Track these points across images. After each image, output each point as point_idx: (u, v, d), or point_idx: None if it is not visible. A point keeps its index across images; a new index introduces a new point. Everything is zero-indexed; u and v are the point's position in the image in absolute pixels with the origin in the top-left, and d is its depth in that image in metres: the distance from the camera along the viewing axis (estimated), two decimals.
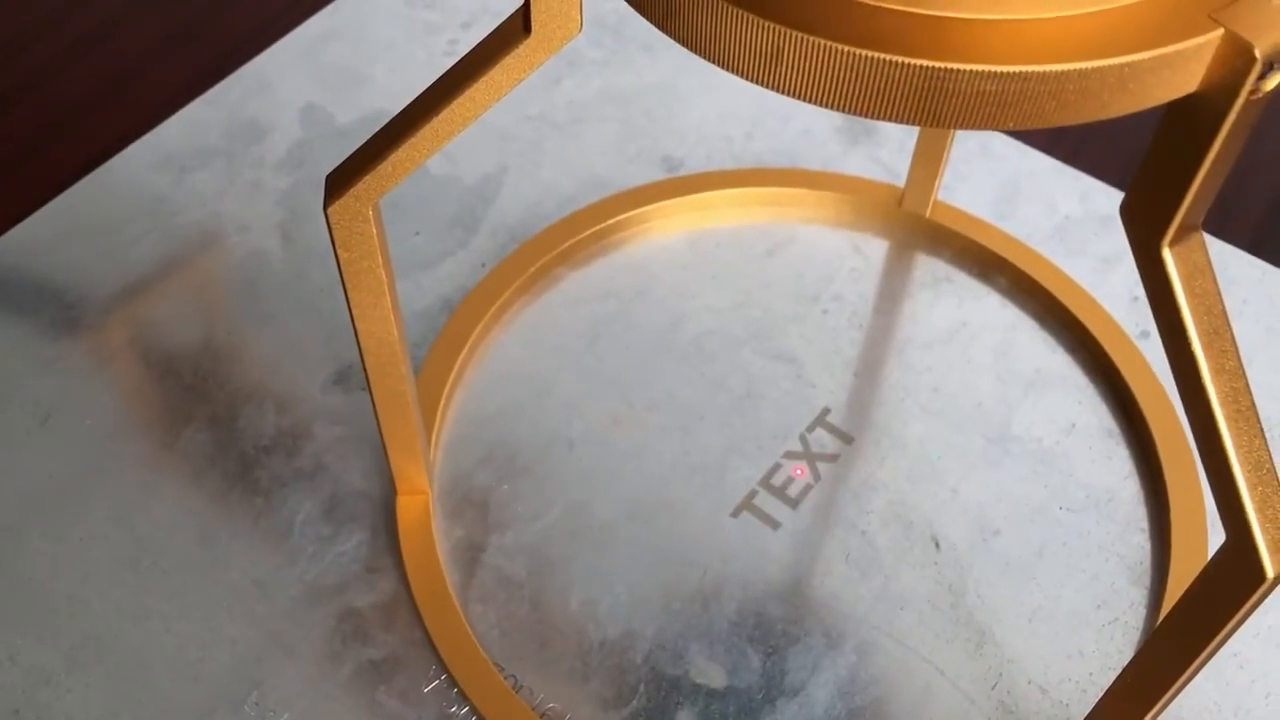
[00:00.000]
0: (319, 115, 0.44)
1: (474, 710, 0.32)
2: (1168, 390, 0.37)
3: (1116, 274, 0.41)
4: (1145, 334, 0.39)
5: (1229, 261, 0.41)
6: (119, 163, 0.43)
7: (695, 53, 0.19)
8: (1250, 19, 0.17)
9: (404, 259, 0.40)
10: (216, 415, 0.37)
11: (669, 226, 0.42)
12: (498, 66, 0.23)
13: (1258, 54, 0.17)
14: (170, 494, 0.35)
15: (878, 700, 0.32)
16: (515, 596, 0.34)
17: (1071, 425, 0.37)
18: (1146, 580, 0.34)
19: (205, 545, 0.34)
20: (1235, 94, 0.17)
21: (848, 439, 0.37)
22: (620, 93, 0.45)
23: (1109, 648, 0.33)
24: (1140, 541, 0.35)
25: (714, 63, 0.19)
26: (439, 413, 0.37)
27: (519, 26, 0.23)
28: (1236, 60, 0.17)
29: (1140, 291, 0.40)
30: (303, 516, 0.35)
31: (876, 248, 0.41)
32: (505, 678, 0.32)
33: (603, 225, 0.41)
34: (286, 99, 0.44)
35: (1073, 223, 0.42)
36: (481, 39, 0.24)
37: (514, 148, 0.44)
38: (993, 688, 0.32)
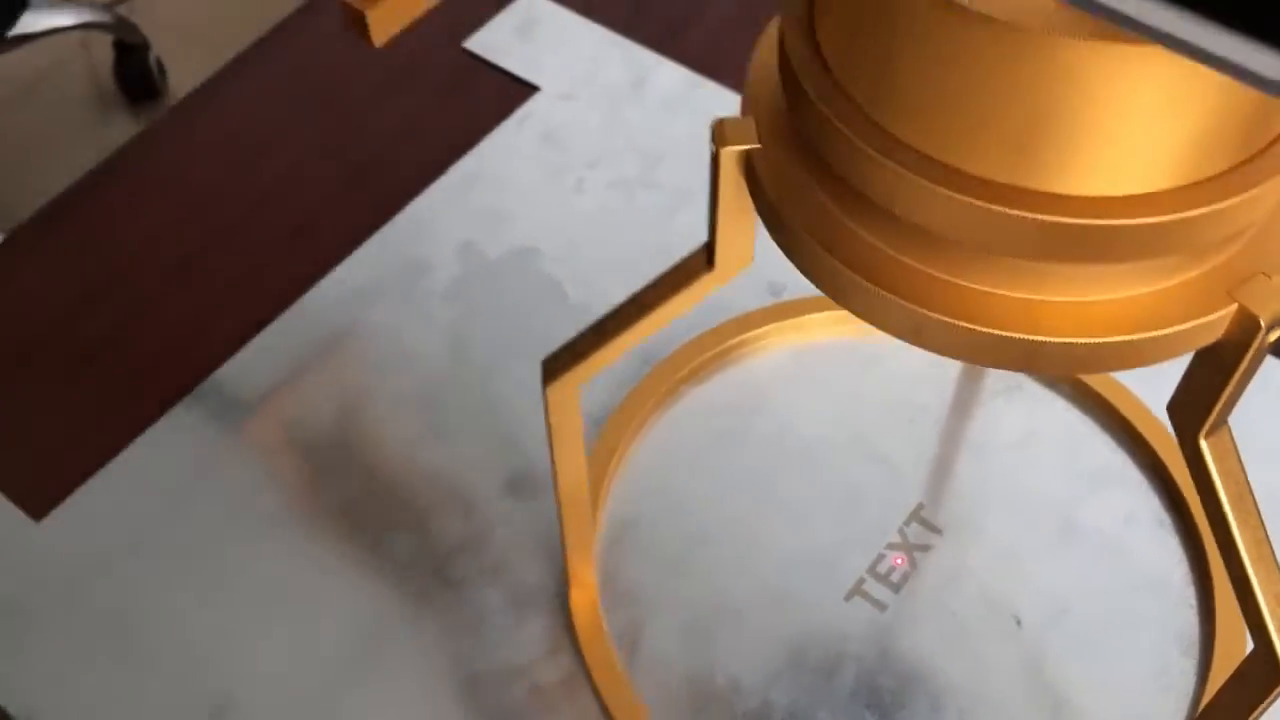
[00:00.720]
0: (472, 251, 0.52)
1: None
2: None
3: (1165, 383, 0.47)
4: None
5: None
6: (310, 298, 0.50)
7: (854, 314, 0.26)
8: (1258, 295, 0.24)
9: None
10: (412, 522, 0.44)
11: (777, 345, 0.49)
12: (683, 293, 0.30)
13: (1263, 323, 0.24)
14: (379, 590, 0.43)
15: None
16: (672, 672, 0.41)
17: (1129, 516, 0.44)
18: (1195, 652, 0.41)
19: (416, 630, 0.42)
20: (1248, 347, 0.24)
21: (938, 531, 0.44)
22: None
23: (1164, 711, 0.40)
24: (1189, 617, 0.42)
25: (867, 322, 0.26)
26: (597, 518, 0.44)
27: (703, 262, 0.30)
28: (1248, 324, 0.24)
29: None
30: (492, 607, 0.42)
31: (953, 361, 0.48)
32: None
33: (722, 347, 0.48)
34: (444, 237, 0.52)
35: None
36: (667, 269, 0.31)
37: (641, 279, 0.51)
38: None
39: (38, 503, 0.45)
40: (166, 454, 0.46)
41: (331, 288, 0.51)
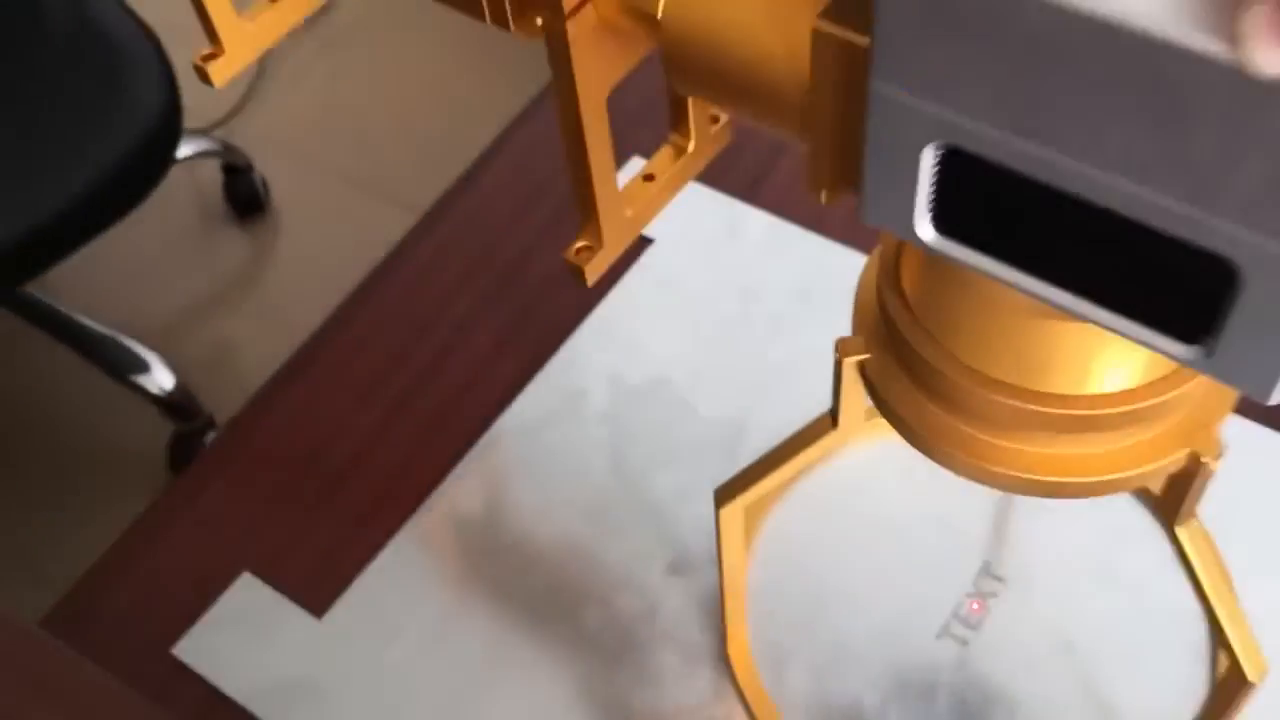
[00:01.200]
0: (618, 379, 0.66)
1: None
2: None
3: None
4: None
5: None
6: (496, 429, 0.65)
7: (928, 457, 0.40)
8: (1201, 442, 0.37)
9: (685, 481, 0.62)
10: (600, 600, 0.58)
11: (867, 446, 0.63)
12: (813, 447, 0.44)
13: (1205, 460, 0.37)
14: (580, 654, 0.57)
15: None
16: (809, 702, 0.55)
17: (1156, 561, 0.57)
18: (1205, 672, 0.54)
19: (609, 683, 0.56)
20: (1196, 475, 0.38)
21: (1002, 580, 0.57)
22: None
23: (1187, 711, 0.53)
24: (1208, 641, 0.55)
25: (939, 464, 0.39)
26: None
27: (828, 425, 0.44)
28: (1197, 463, 0.38)
29: None
30: (668, 664, 0.56)
31: None
32: None
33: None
34: (595, 370, 0.66)
35: None
36: (803, 427, 0.45)
37: (754, 396, 0.65)
38: None
39: (316, 603, 0.60)
40: (407, 559, 0.61)
41: (511, 419, 0.65)
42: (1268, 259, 0.26)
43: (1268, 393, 0.29)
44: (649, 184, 0.44)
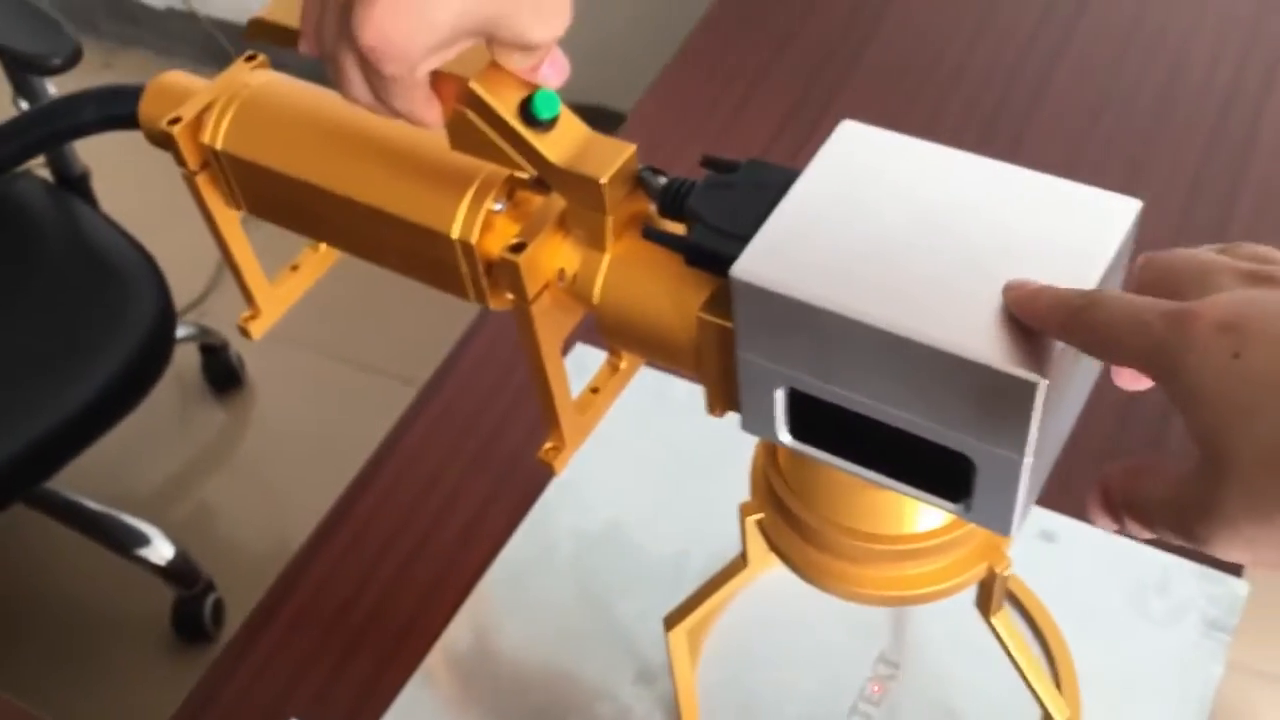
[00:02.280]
0: (580, 530, 0.82)
1: None
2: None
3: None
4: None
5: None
6: (487, 578, 0.80)
7: (813, 586, 0.56)
8: (996, 556, 0.54)
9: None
10: (582, 707, 0.73)
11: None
12: (731, 582, 0.60)
13: (998, 570, 0.54)
14: None
15: None
16: None
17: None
18: None
19: None
20: (994, 582, 0.54)
21: (896, 665, 0.73)
22: None
23: None
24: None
25: (822, 590, 0.55)
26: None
27: (741, 564, 0.60)
28: (991, 574, 0.54)
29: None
30: None
31: None
32: None
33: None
34: (562, 525, 0.82)
35: None
36: (722, 568, 0.61)
37: (694, 537, 0.81)
38: None
39: None
40: (423, 696, 0.75)
41: (501, 567, 0.80)
42: (984, 454, 0.43)
43: (1008, 531, 0.46)
44: (595, 396, 0.61)
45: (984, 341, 0.40)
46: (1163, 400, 0.38)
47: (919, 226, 0.44)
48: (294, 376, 1.73)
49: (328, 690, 0.77)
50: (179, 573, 1.44)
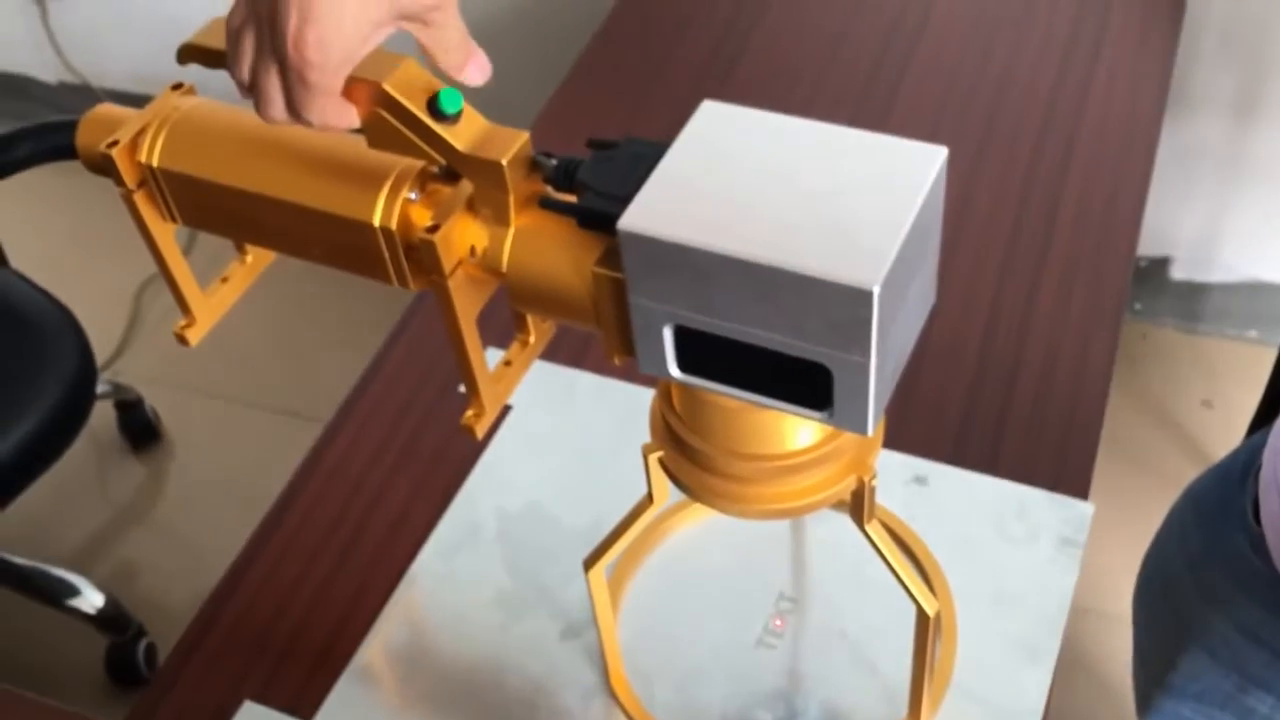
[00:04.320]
0: (503, 510, 0.89)
1: None
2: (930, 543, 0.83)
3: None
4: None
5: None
6: (418, 563, 0.87)
7: (711, 508, 0.64)
8: (864, 468, 0.63)
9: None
10: (515, 665, 0.81)
11: (689, 521, 0.87)
12: (642, 517, 0.68)
13: (865, 480, 0.63)
14: (507, 707, 0.79)
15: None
16: (673, 704, 0.78)
17: None
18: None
19: (543, 714, 0.78)
20: (865, 492, 0.63)
21: (795, 600, 0.82)
22: None
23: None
24: None
25: (718, 510, 0.64)
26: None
27: (648, 500, 0.68)
28: (863, 481, 0.63)
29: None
30: (572, 701, 0.79)
31: None
32: None
33: (663, 527, 0.86)
34: (485, 507, 0.89)
35: None
36: (633, 507, 0.69)
37: (607, 505, 0.89)
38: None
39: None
40: (359, 693, 0.82)
41: (432, 547, 0.87)
42: (838, 361, 0.52)
43: (865, 429, 0.55)
44: (508, 368, 0.69)
45: (828, 262, 0.50)
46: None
47: (769, 179, 0.53)
48: (209, 426, 1.77)
49: (267, 692, 0.83)
50: (110, 620, 1.47)
